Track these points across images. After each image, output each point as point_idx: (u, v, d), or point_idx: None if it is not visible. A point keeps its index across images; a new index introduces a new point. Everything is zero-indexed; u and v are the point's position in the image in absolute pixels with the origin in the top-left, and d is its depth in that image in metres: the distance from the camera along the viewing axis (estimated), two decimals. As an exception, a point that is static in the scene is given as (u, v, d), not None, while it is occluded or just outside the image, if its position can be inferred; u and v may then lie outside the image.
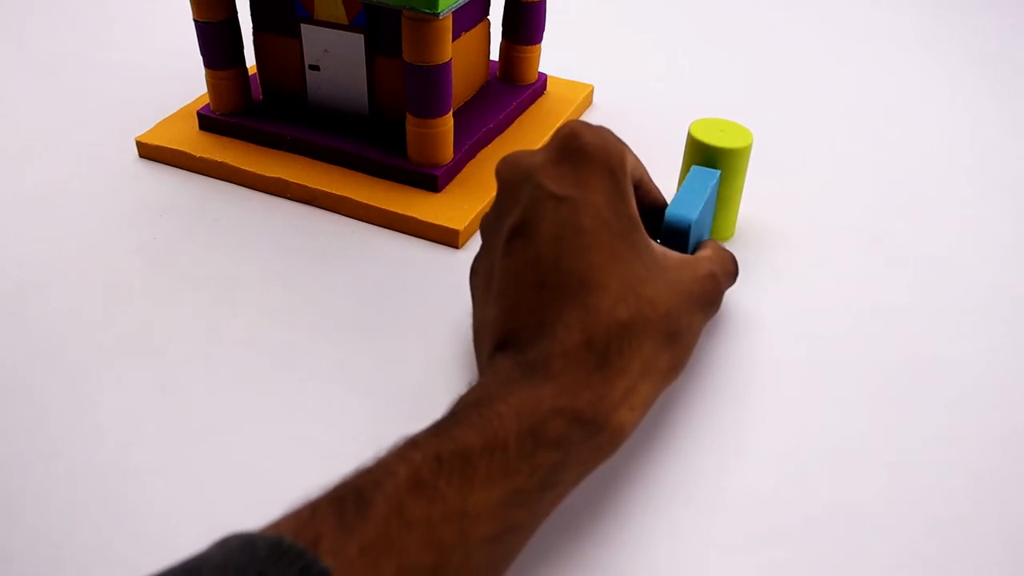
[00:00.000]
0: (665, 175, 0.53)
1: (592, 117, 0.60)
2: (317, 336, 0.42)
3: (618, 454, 0.36)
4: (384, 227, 0.49)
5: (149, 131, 0.55)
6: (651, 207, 0.40)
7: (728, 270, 0.40)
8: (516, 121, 0.57)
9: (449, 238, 0.48)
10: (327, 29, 0.50)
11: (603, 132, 0.35)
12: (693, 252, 0.40)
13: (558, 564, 0.32)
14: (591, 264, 0.32)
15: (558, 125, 0.57)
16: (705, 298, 0.36)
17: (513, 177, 0.35)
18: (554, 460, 0.29)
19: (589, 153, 0.34)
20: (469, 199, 0.49)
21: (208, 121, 0.54)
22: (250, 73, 0.58)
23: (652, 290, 0.33)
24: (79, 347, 0.41)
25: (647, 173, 0.40)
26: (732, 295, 0.45)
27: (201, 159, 0.53)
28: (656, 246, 0.35)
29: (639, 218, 0.35)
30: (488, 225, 0.37)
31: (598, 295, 0.32)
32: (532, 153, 0.36)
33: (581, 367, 0.31)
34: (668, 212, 0.40)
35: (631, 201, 0.35)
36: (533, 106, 0.59)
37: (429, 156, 0.50)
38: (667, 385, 0.34)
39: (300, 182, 0.50)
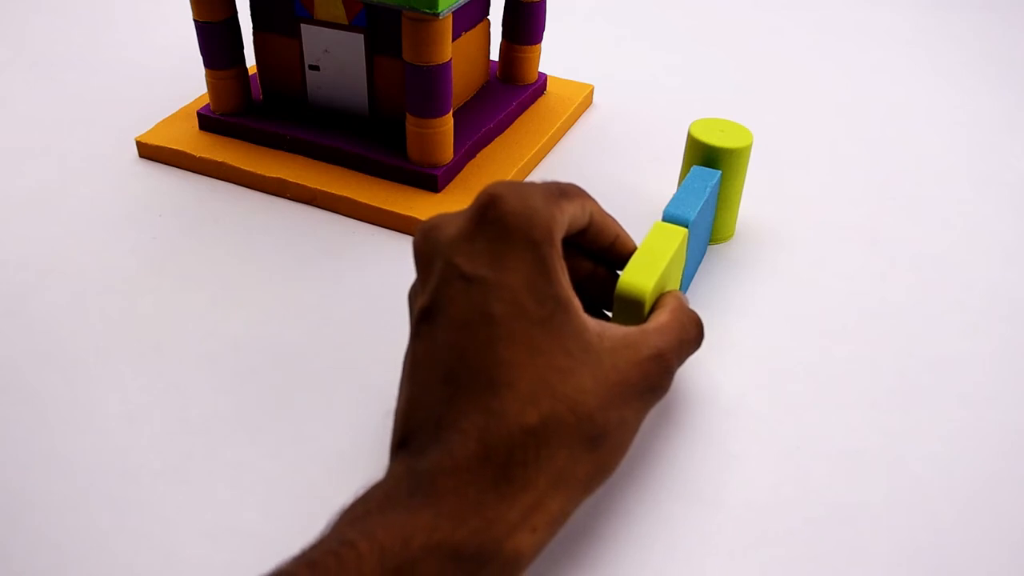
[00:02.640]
0: (665, 175, 0.53)
1: (592, 117, 0.61)
2: (317, 336, 0.42)
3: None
4: (384, 227, 0.49)
5: (149, 131, 0.55)
6: (607, 248, 0.37)
7: (686, 338, 0.34)
8: (516, 121, 0.57)
9: (449, 238, 0.48)
10: (327, 29, 0.50)
11: (528, 197, 0.31)
12: (649, 312, 0.36)
13: (556, 564, 0.32)
14: (500, 360, 0.28)
15: (558, 125, 0.57)
16: (647, 383, 0.31)
17: (426, 249, 0.31)
18: None
19: (508, 225, 0.30)
20: (469, 199, 0.49)
21: (208, 121, 0.54)
22: (250, 73, 0.58)
23: (575, 385, 0.29)
24: (79, 347, 0.41)
25: (600, 211, 0.36)
26: (732, 295, 0.45)
27: (201, 159, 0.53)
28: (593, 325, 0.31)
29: (570, 296, 0.30)
30: (412, 294, 0.33)
31: (504, 397, 0.28)
32: (450, 220, 0.32)
33: (473, 485, 0.27)
34: (666, 212, 0.40)
35: (558, 278, 0.30)
36: (533, 106, 0.59)
37: (429, 156, 0.50)
38: (588, 494, 0.30)
39: (300, 182, 0.50)
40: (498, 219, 0.30)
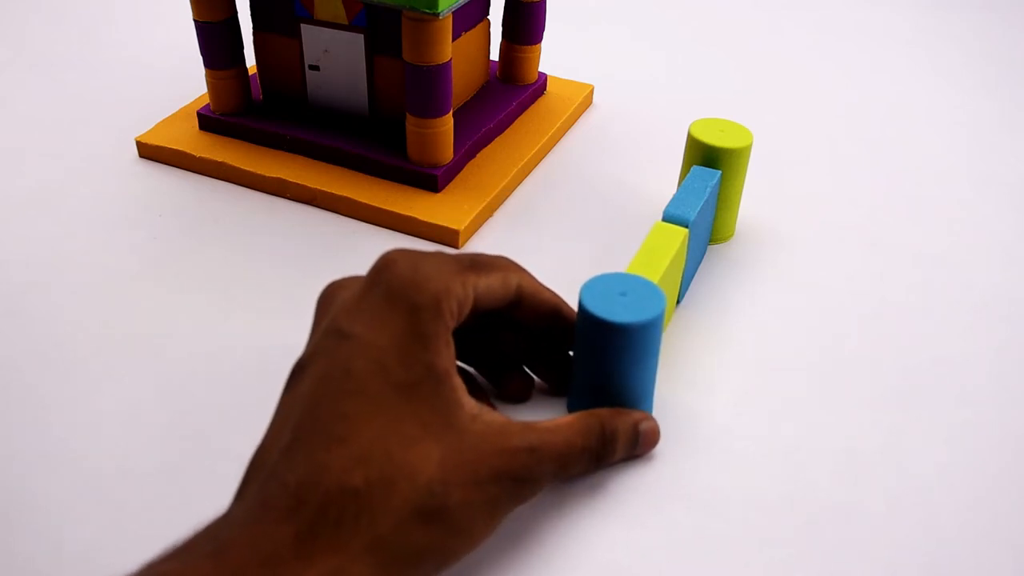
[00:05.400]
0: (665, 175, 0.53)
1: (592, 117, 0.61)
2: (317, 336, 0.42)
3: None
4: (384, 227, 0.49)
5: (149, 131, 0.55)
6: (547, 322, 0.36)
7: (581, 444, 0.33)
8: (516, 121, 0.57)
9: (449, 238, 0.48)
10: (327, 29, 0.50)
11: (421, 264, 0.31)
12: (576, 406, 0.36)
13: (556, 563, 0.32)
14: (342, 414, 0.28)
15: (558, 125, 0.57)
16: (509, 472, 0.30)
17: (322, 306, 0.32)
18: None
19: (393, 288, 0.30)
20: (469, 199, 0.49)
21: (208, 121, 0.54)
22: (250, 73, 0.58)
23: (418, 455, 0.28)
24: (79, 347, 0.41)
25: (533, 284, 0.35)
26: (732, 295, 0.45)
27: (201, 159, 0.53)
28: (470, 406, 0.30)
29: (447, 368, 0.30)
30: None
31: (334, 451, 0.27)
32: (353, 282, 0.32)
33: (271, 538, 0.26)
34: (666, 212, 0.40)
35: (436, 347, 0.29)
36: (533, 106, 0.59)
37: (429, 156, 0.50)
38: (422, 570, 0.28)
39: (300, 182, 0.50)
40: (386, 282, 0.30)
